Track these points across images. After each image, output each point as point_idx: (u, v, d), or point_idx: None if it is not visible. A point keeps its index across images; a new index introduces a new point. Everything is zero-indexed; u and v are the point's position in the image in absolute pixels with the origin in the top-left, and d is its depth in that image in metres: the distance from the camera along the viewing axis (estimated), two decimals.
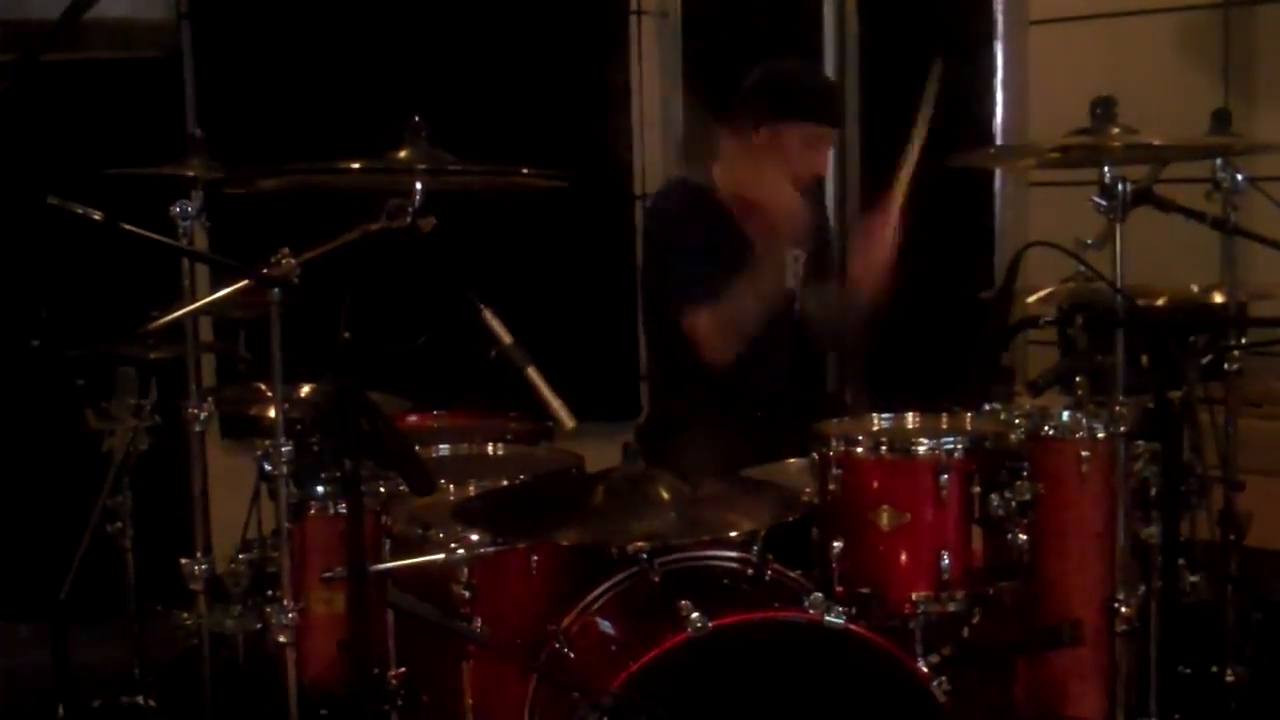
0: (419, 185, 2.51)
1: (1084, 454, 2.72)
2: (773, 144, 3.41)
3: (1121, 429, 2.67)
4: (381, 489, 2.78)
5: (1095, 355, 2.77)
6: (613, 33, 4.76)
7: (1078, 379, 2.82)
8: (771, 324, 3.44)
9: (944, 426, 2.89)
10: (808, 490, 2.76)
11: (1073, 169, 3.08)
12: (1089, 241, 2.74)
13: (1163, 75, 4.15)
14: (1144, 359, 2.78)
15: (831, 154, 4.54)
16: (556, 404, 2.48)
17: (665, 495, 2.54)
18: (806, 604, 2.39)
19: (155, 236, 2.27)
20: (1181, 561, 2.93)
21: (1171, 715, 2.82)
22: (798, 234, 3.41)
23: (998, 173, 4.51)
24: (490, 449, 3.18)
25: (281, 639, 2.60)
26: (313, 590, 2.74)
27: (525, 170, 2.79)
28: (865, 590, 2.64)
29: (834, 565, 2.67)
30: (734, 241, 3.47)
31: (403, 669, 2.68)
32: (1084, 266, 2.74)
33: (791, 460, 3.04)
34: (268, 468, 2.68)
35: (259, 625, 3.25)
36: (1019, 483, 2.68)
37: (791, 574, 2.65)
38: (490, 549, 2.55)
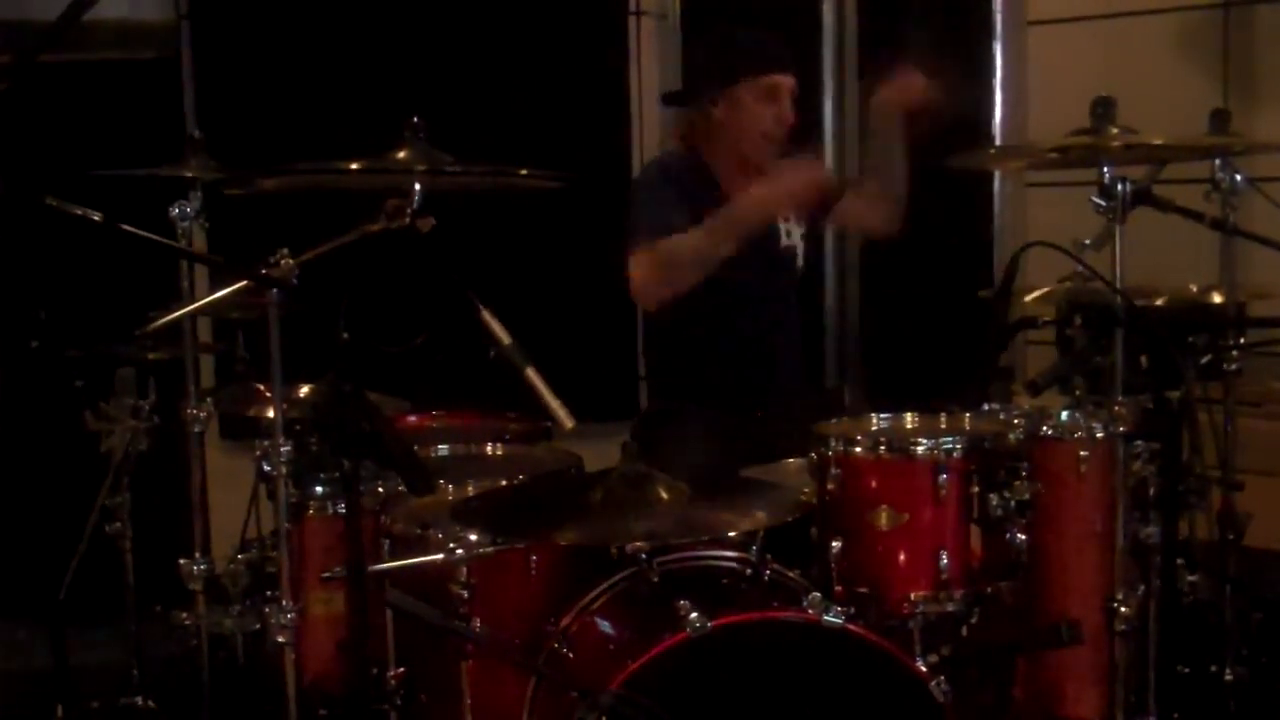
0: (417, 185, 2.51)
1: (1083, 454, 2.72)
2: (733, 111, 3.40)
3: (1120, 429, 2.67)
4: (380, 489, 2.79)
5: (1094, 355, 2.77)
6: (612, 33, 4.76)
7: (1076, 379, 2.81)
8: (772, 310, 3.44)
9: (943, 426, 2.89)
10: (806, 490, 2.75)
11: (1072, 169, 3.08)
12: (1088, 241, 2.73)
13: (1162, 75, 4.14)
14: (1143, 359, 2.78)
15: (829, 169, 4.59)
16: (555, 404, 2.48)
17: (664, 495, 2.54)
18: (805, 604, 2.40)
19: (154, 237, 2.27)
20: (1180, 561, 2.93)
21: (1170, 715, 2.82)
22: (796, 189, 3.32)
23: (997, 173, 4.50)
24: (489, 449, 3.18)
25: (280, 639, 2.60)
26: (312, 590, 2.74)
27: (524, 172, 2.80)
28: (864, 590, 2.63)
29: (833, 565, 2.66)
30: (717, 203, 3.44)
31: (402, 669, 2.68)
32: (1083, 267, 2.74)
33: (790, 460, 3.03)
34: (266, 468, 2.69)
35: (258, 626, 3.25)
36: (1018, 482, 2.68)
37: (790, 574, 2.65)
38: (489, 549, 2.55)
